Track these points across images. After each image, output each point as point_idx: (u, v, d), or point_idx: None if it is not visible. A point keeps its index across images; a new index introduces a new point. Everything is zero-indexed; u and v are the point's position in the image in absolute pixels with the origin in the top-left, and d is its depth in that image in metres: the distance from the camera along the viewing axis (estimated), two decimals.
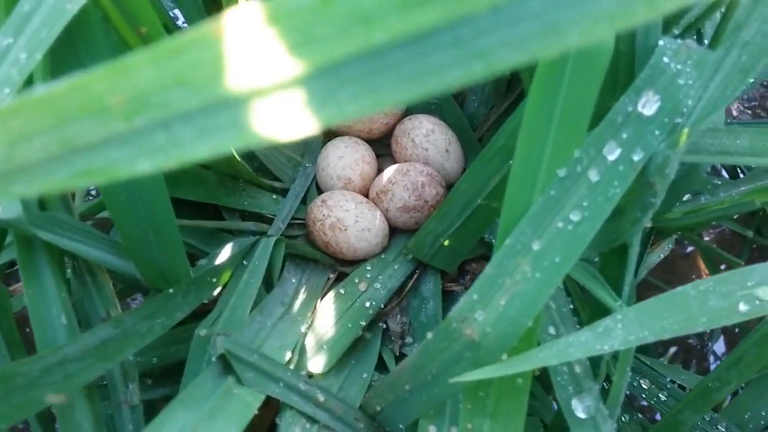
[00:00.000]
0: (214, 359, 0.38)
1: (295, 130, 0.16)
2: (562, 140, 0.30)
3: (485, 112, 0.60)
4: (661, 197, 0.32)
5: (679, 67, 0.31)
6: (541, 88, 0.29)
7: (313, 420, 0.40)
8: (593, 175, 0.31)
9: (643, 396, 0.55)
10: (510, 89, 0.59)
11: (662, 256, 0.63)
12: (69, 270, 0.40)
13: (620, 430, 0.56)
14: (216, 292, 0.45)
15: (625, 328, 0.31)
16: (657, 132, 0.31)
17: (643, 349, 0.72)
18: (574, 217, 0.31)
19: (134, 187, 0.37)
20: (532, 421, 0.44)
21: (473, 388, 0.34)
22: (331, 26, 0.16)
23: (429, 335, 0.34)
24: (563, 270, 0.31)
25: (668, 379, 0.56)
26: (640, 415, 0.55)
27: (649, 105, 0.31)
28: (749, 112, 0.98)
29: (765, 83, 1.01)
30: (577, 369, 0.36)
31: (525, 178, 0.31)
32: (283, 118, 0.16)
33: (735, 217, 0.72)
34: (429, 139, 0.57)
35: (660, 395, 0.55)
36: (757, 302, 0.32)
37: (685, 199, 0.53)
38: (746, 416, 0.53)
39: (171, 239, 0.40)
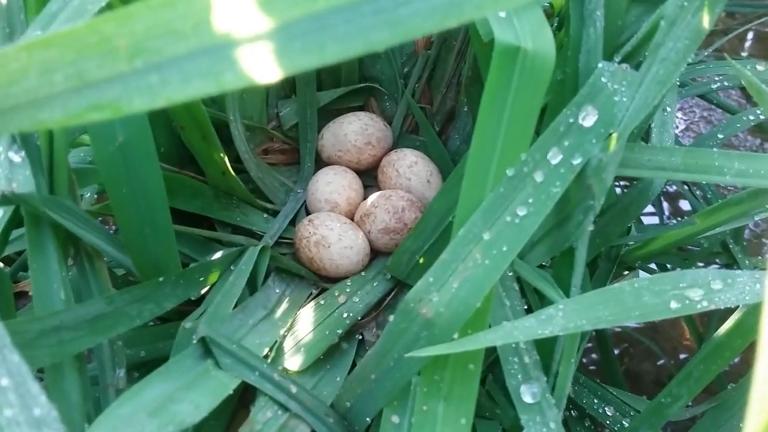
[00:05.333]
0: (195, 341, 0.41)
1: (261, 76, 0.21)
2: (510, 144, 0.35)
3: (466, 149, 0.65)
4: (600, 201, 0.36)
5: (615, 86, 0.36)
6: (491, 97, 0.34)
7: (285, 408, 0.42)
8: (538, 176, 0.35)
9: (608, 423, 0.57)
10: None
11: None
12: (69, 258, 0.44)
13: None
14: (203, 291, 0.48)
15: (565, 317, 0.35)
16: (594, 140, 0.35)
17: (619, 384, 0.74)
18: (521, 211, 0.35)
19: (135, 178, 0.41)
20: (492, 425, 0.46)
21: (429, 372, 0.37)
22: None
23: (390, 318, 0.38)
24: (509, 257, 0.35)
25: (633, 408, 0.58)
26: None
27: (588, 118, 0.35)
28: None
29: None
30: (527, 359, 0.39)
31: (478, 177, 0.35)
32: (252, 66, 0.21)
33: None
34: (412, 170, 0.62)
35: (624, 422, 0.57)
36: (687, 301, 0.36)
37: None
38: None
39: (165, 233, 0.44)
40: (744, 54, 1.37)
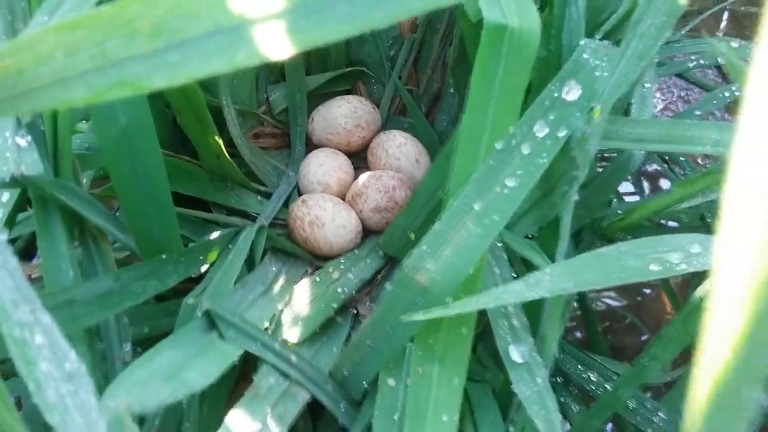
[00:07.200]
0: (199, 315, 0.43)
1: (273, 53, 0.23)
2: (499, 119, 0.37)
3: (453, 130, 0.67)
4: (584, 171, 0.38)
5: (597, 62, 0.38)
6: (480, 73, 0.36)
7: (286, 376, 0.44)
8: (525, 149, 0.37)
9: (591, 387, 0.60)
10: None
11: None
12: (75, 240, 0.45)
13: (570, 416, 0.60)
14: (203, 269, 0.50)
15: (552, 280, 0.37)
16: (578, 114, 0.37)
17: (601, 352, 0.77)
18: (510, 183, 0.37)
19: (137, 160, 0.43)
20: (483, 387, 0.48)
21: (424, 336, 0.40)
22: None
23: (388, 286, 0.40)
24: (499, 226, 0.37)
25: (615, 373, 0.61)
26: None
27: (571, 92, 0.37)
28: None
29: None
30: (515, 322, 0.41)
31: (469, 150, 0.37)
32: (265, 43, 0.22)
33: None
34: (401, 150, 0.64)
35: (606, 386, 0.60)
36: (667, 264, 0.38)
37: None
38: (683, 404, 0.58)
39: (167, 214, 0.46)
40: (720, 33, 1.39)
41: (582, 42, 0.38)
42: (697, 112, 0.81)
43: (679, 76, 0.95)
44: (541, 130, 0.37)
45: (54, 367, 0.23)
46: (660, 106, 1.27)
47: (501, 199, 0.37)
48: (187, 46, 0.22)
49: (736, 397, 0.18)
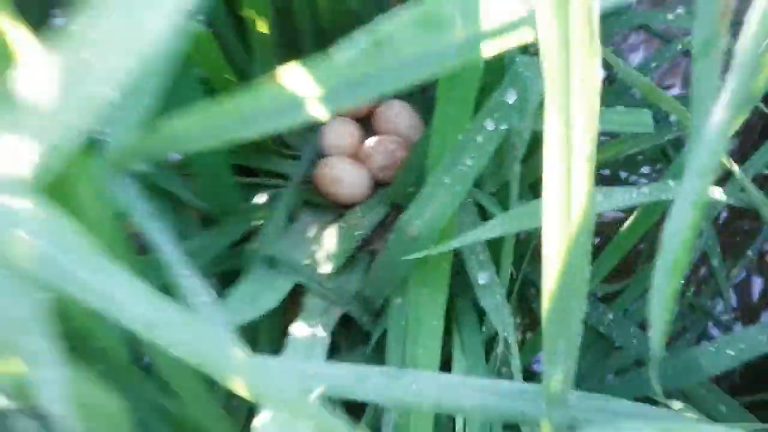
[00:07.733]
0: (262, 256, 0.62)
1: (314, 116, 0.39)
2: (456, 120, 0.53)
3: None
4: (521, 151, 0.55)
5: (528, 73, 0.54)
6: (444, 90, 0.52)
7: (325, 297, 0.63)
8: (479, 139, 0.54)
9: None
10: None
11: None
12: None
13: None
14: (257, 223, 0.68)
15: (501, 225, 0.54)
16: (515, 113, 0.54)
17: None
18: (468, 162, 0.54)
19: (209, 153, 0.60)
20: (467, 302, 0.67)
21: (418, 269, 0.58)
22: (331, 75, 0.39)
23: (390, 236, 0.58)
24: (463, 193, 0.54)
25: None
26: None
27: (510, 97, 0.54)
28: None
29: None
30: (481, 256, 0.59)
31: (440, 141, 0.54)
32: (310, 111, 0.39)
33: None
34: (399, 118, 0.80)
35: None
36: None
37: None
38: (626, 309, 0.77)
39: (229, 184, 0.64)
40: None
41: (517, 59, 0.54)
42: (653, 64, 0.94)
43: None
44: (489, 125, 0.54)
45: (195, 296, 0.41)
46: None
47: (462, 174, 0.54)
48: (259, 117, 0.39)
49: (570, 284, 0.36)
